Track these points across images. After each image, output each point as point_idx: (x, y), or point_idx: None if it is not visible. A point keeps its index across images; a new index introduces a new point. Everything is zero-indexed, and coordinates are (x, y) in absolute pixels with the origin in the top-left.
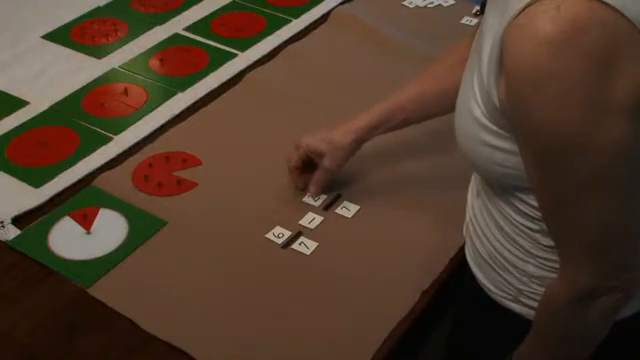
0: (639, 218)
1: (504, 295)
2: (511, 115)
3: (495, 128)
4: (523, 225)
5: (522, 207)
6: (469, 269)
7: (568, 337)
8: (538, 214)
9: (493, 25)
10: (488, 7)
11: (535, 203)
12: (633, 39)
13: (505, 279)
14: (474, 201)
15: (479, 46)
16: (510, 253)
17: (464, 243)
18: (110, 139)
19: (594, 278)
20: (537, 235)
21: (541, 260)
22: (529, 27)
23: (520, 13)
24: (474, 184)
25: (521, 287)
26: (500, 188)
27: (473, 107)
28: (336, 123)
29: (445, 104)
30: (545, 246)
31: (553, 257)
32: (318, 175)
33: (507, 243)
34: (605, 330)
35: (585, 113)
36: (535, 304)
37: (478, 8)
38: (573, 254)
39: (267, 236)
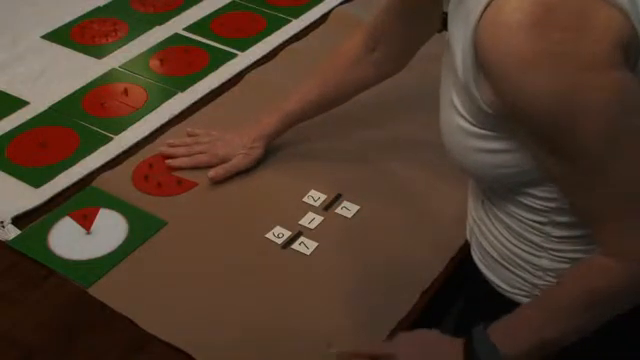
0: None
1: (518, 292)
2: (508, 111)
3: (484, 132)
4: (532, 220)
5: (528, 202)
6: (478, 271)
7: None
8: (545, 205)
9: (459, 36)
10: (450, 22)
11: (541, 194)
12: (599, 6)
13: (520, 276)
14: (477, 205)
15: (450, 62)
16: (522, 250)
17: (464, 243)
18: (110, 139)
19: None
20: (547, 228)
21: (554, 252)
22: (499, 21)
23: (484, 12)
24: (474, 190)
25: (536, 282)
26: (504, 189)
27: (459, 121)
28: (239, 126)
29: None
30: (556, 238)
31: (565, 248)
32: (231, 168)
33: (518, 241)
34: None
35: (580, 77)
36: None
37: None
38: (618, 225)
39: (267, 236)
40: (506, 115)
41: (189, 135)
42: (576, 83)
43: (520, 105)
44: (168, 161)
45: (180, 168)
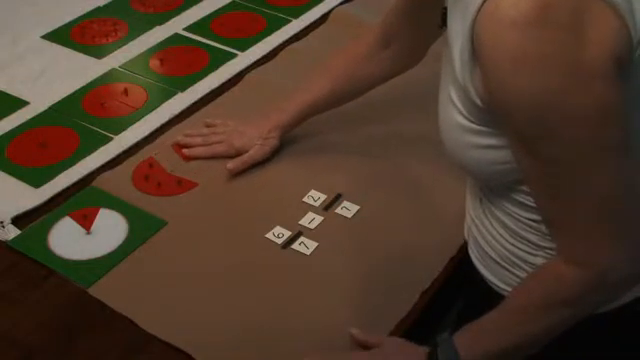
0: None
1: None
2: (494, 107)
3: (479, 128)
4: (528, 218)
5: (524, 200)
6: (476, 270)
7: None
8: None
9: (457, 31)
10: (449, 17)
11: None
12: (594, 3)
13: (516, 275)
14: (475, 204)
15: (449, 58)
16: (519, 249)
17: (464, 243)
18: (110, 139)
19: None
20: (543, 226)
21: (549, 251)
22: (496, 15)
23: (482, 6)
24: (472, 188)
25: None
26: (501, 187)
27: (456, 117)
28: (252, 118)
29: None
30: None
31: None
32: (247, 159)
33: (514, 240)
34: None
35: (566, 82)
36: None
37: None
38: (575, 234)
39: (267, 236)
40: (493, 111)
41: (206, 126)
42: (561, 86)
43: (505, 101)
44: (185, 150)
45: (197, 157)
